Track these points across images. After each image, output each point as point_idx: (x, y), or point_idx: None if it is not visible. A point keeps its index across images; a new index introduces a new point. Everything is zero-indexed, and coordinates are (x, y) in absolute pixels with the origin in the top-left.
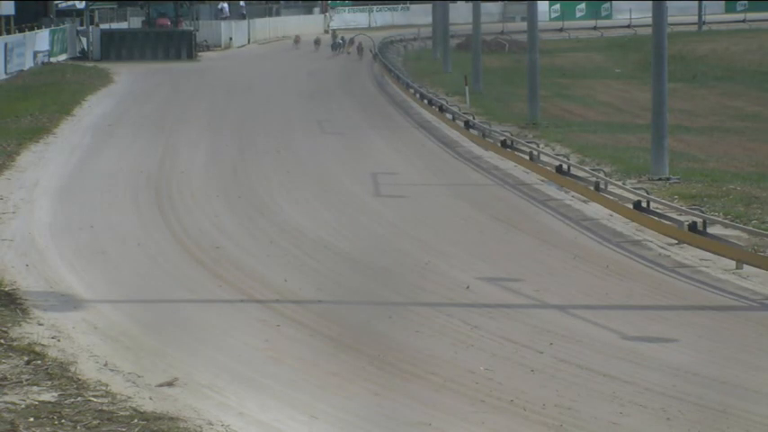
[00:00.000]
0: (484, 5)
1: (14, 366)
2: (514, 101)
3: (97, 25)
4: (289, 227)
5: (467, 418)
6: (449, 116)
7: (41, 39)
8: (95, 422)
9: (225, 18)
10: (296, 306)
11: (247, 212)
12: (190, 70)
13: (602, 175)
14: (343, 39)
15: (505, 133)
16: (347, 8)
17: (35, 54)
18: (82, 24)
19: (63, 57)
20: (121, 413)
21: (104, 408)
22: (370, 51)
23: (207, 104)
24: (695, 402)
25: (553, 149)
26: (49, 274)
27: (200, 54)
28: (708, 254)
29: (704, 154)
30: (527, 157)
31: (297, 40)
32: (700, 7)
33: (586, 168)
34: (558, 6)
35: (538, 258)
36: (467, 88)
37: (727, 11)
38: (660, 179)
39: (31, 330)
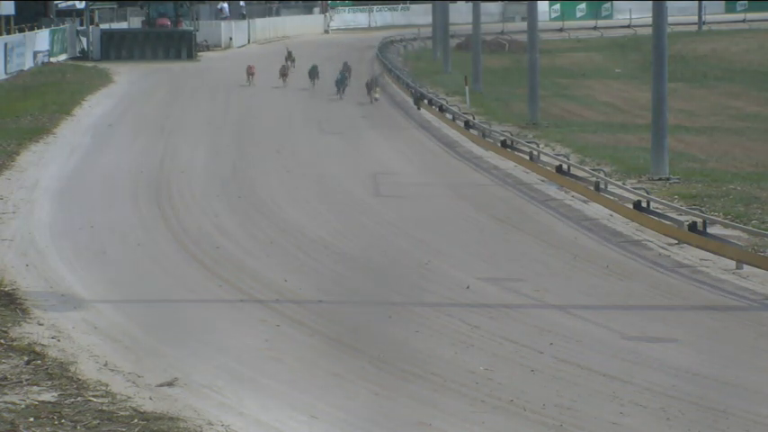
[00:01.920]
0: (484, 5)
1: (14, 366)
2: (514, 101)
3: (97, 25)
4: (289, 227)
5: (467, 418)
6: (449, 116)
7: (41, 39)
8: (95, 422)
9: (225, 18)
10: (296, 306)
11: (247, 212)
12: (190, 70)
13: (602, 175)
14: (346, 65)
15: (505, 133)
16: (347, 8)
17: (35, 54)
18: (82, 24)
19: (63, 57)
20: (121, 413)
21: (104, 408)
22: (410, 90)
23: (207, 104)
24: (695, 402)
25: (553, 149)
26: (49, 274)
27: (200, 54)
28: (708, 254)
29: (704, 154)
30: (527, 157)
31: (250, 71)
32: (700, 7)
33: (586, 168)
34: (558, 6)
35: (538, 258)
36: (467, 88)
37: (727, 11)
38: (660, 179)
39: (31, 330)
